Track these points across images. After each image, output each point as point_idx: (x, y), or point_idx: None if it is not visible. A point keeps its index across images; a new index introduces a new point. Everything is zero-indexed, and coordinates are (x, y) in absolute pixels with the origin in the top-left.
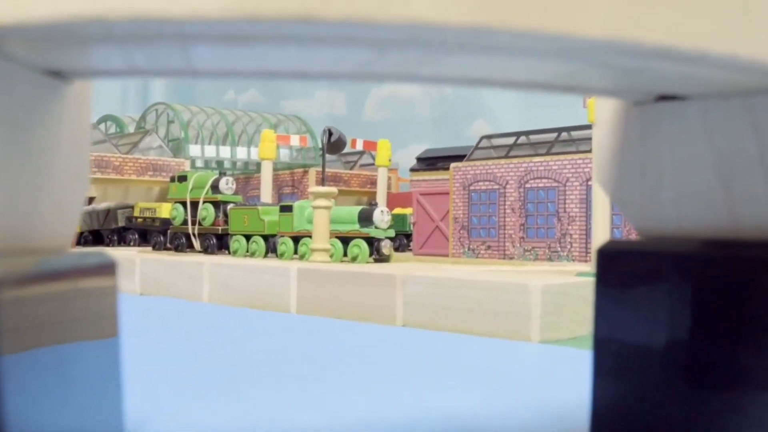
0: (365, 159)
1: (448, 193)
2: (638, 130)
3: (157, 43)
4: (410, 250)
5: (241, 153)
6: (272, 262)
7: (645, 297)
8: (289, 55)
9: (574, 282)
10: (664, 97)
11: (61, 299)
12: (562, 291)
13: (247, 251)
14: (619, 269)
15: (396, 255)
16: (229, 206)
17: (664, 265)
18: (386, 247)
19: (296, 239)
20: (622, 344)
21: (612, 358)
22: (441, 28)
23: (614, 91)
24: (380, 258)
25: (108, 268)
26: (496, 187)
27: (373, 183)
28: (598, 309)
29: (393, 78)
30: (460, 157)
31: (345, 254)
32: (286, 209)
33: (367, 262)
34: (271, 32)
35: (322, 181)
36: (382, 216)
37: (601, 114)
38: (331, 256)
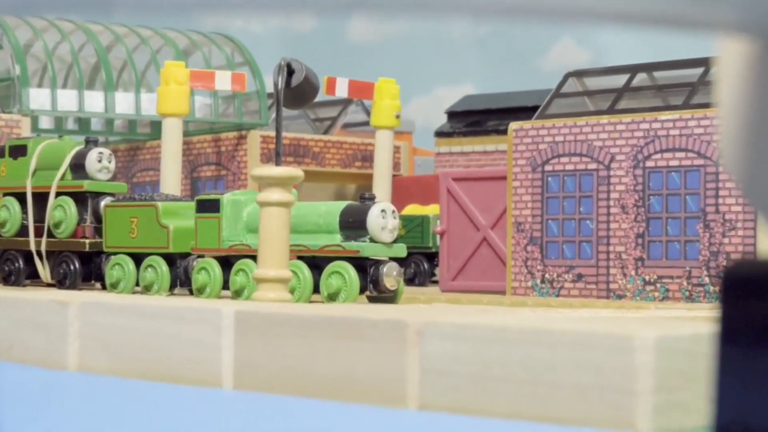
0: (353, 115)
1: (504, 178)
2: None
3: None
4: (436, 281)
5: (124, 103)
6: (187, 301)
7: None
8: None
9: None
10: None
11: None
12: (691, 349)
13: (138, 284)
14: (755, 307)
15: (409, 290)
16: (104, 202)
17: None
18: (391, 275)
19: (227, 262)
20: None
21: None
22: None
23: (744, 26)
24: (380, 294)
25: None
26: (594, 166)
27: (368, 158)
28: (720, 374)
29: (402, 12)
30: (526, 111)
31: (317, 288)
32: (209, 207)
33: (356, 302)
34: None
35: (276, 155)
36: (383, 219)
37: (726, 62)
38: (292, 292)
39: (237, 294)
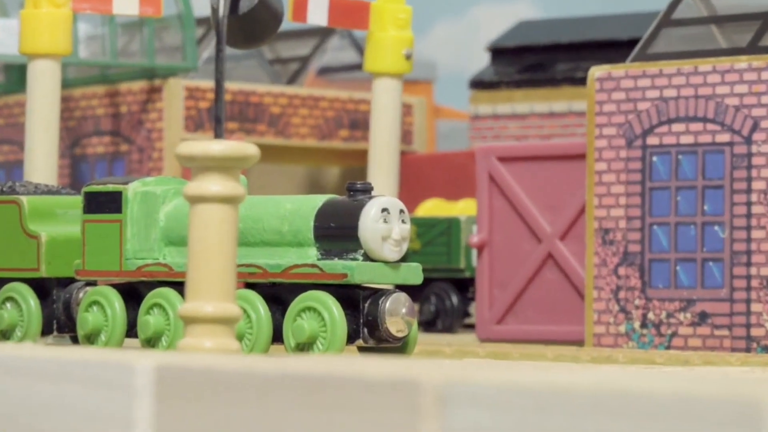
0: (336, 54)
1: (582, 157)
2: None
3: None
4: (471, 324)
5: None
6: (79, 352)
7: None
8: None
9: None
10: None
11: None
12: None
13: None
14: None
15: (428, 339)
16: None
17: None
18: (399, 314)
19: (134, 292)
20: None
21: None
22: None
23: None
24: (381, 344)
25: None
26: (726, 138)
27: (359, 124)
28: None
29: None
30: (617, 48)
31: (278, 334)
32: (104, 204)
33: (342, 353)
34: None
35: (215, 121)
36: (384, 223)
37: None
38: (240, 338)
39: (150, 343)
